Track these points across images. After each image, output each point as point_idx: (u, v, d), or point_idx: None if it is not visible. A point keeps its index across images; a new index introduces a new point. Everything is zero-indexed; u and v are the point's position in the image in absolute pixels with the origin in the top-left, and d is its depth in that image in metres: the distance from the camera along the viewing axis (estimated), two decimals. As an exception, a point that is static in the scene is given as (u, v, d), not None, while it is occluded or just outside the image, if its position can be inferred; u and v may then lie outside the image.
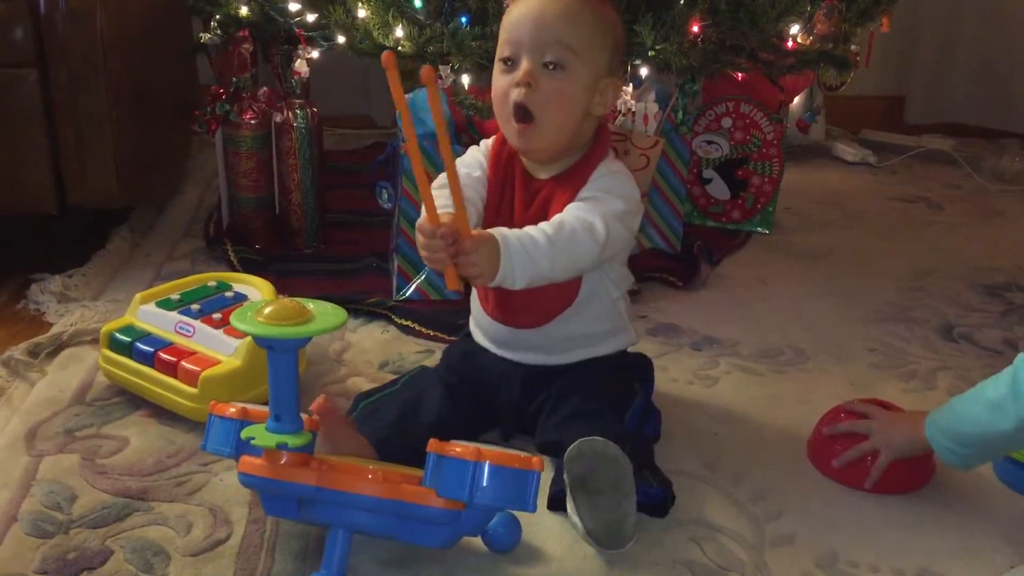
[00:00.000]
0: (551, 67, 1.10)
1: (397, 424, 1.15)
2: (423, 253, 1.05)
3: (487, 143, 1.23)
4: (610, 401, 1.17)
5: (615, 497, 1.01)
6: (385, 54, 0.93)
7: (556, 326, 1.21)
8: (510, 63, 1.12)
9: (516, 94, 1.11)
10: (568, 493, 1.04)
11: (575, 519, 1.03)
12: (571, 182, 1.16)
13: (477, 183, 1.19)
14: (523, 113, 1.12)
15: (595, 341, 1.23)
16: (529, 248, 1.07)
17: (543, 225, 1.10)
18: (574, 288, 1.19)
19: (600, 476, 1.01)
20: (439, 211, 1.03)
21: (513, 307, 1.21)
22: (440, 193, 1.09)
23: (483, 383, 1.23)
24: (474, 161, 1.22)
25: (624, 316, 1.26)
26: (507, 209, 1.19)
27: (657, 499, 1.09)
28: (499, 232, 1.06)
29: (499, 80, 1.14)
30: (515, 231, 1.08)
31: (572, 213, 1.11)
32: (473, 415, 1.21)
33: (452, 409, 1.18)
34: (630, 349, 1.29)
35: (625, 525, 1.01)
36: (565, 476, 1.04)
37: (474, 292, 1.27)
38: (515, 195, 1.19)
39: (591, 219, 1.11)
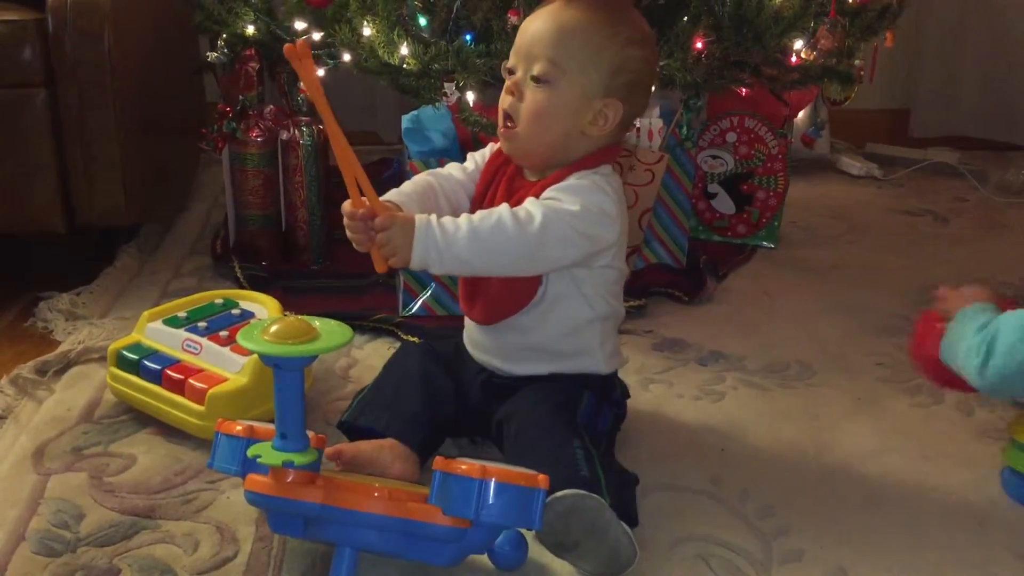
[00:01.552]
0: (537, 81, 1.13)
1: (392, 407, 1.19)
2: (348, 235, 1.09)
3: (497, 144, 1.26)
4: (557, 403, 1.16)
5: (596, 538, 1.00)
6: (296, 44, 0.99)
7: (513, 331, 1.21)
8: (511, 72, 1.17)
9: (503, 100, 1.17)
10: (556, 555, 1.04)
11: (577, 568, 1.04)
12: (545, 186, 1.16)
13: (467, 178, 1.25)
14: (505, 118, 1.17)
15: (554, 357, 1.21)
16: (449, 231, 1.07)
17: (476, 214, 1.11)
18: (528, 289, 1.18)
19: (572, 530, 1.00)
20: (383, 200, 1.10)
21: (470, 297, 1.23)
22: (396, 191, 1.16)
23: (456, 368, 1.26)
24: (478, 155, 1.27)
25: (598, 343, 1.22)
26: (489, 204, 1.20)
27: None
28: (421, 216, 1.08)
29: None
30: (444, 217, 1.10)
31: (514, 206, 1.12)
32: (448, 376, 1.25)
33: (433, 363, 1.25)
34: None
35: (620, 553, 1.01)
36: (543, 545, 1.03)
37: None
38: (498, 190, 1.22)
39: (530, 209, 1.10)
